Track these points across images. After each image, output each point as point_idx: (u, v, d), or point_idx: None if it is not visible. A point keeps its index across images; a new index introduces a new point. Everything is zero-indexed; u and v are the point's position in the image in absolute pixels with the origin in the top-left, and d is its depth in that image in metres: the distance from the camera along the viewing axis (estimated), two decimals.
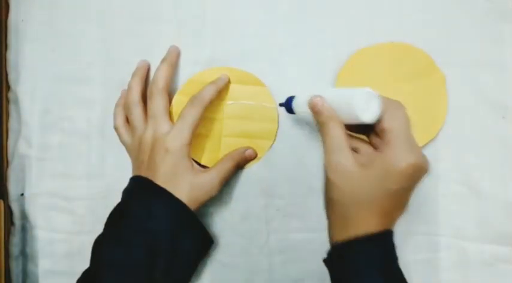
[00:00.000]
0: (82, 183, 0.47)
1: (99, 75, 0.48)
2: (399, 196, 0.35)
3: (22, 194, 0.48)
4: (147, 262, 0.38)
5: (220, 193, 0.46)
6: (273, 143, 0.46)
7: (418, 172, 0.34)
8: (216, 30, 0.47)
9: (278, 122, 0.46)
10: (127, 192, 0.42)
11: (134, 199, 0.41)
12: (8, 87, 0.49)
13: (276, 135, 0.46)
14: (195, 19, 0.47)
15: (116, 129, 0.46)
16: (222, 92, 0.46)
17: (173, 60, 0.46)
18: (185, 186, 0.41)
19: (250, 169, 0.46)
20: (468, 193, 0.46)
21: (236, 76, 0.46)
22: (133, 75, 0.46)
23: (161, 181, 0.40)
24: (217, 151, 0.46)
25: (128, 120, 0.45)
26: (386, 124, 0.35)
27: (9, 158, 0.49)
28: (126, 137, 0.45)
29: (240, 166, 0.46)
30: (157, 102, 0.43)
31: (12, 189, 0.48)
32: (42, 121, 0.48)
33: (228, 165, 0.43)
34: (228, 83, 0.46)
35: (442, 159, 0.46)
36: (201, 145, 0.46)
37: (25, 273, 0.48)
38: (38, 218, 0.47)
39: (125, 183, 0.42)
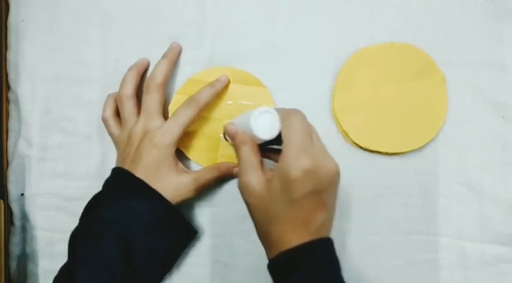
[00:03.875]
0: (82, 183, 0.47)
1: (99, 75, 0.48)
2: (311, 203, 0.34)
3: (22, 194, 0.48)
4: (121, 256, 0.38)
5: (220, 193, 0.47)
6: None
7: (319, 174, 0.33)
8: (216, 30, 0.47)
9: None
10: (106, 184, 0.42)
11: (111, 191, 0.41)
12: (8, 87, 0.49)
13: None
14: (195, 19, 0.47)
15: (104, 120, 0.46)
16: (221, 92, 0.46)
17: (174, 56, 0.46)
18: (163, 183, 0.41)
19: None
20: (468, 193, 0.46)
21: (236, 76, 0.46)
22: (130, 68, 0.46)
23: (142, 173, 0.40)
24: (215, 151, 0.46)
25: (117, 113, 0.46)
26: (282, 135, 0.35)
27: (9, 158, 0.49)
28: (114, 128, 0.45)
29: (223, 179, 0.46)
30: (153, 97, 0.43)
31: (12, 189, 0.48)
32: (42, 121, 0.48)
33: (210, 175, 0.44)
34: (227, 84, 0.46)
35: (442, 159, 0.46)
36: (199, 145, 0.46)
37: (25, 273, 0.48)
38: (38, 218, 0.47)
39: None
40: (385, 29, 0.47)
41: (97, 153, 0.48)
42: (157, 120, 0.42)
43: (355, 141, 0.45)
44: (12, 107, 0.49)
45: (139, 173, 0.41)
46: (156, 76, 0.43)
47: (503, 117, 0.46)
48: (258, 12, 0.47)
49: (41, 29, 0.48)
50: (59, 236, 0.47)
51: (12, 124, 0.49)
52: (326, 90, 0.46)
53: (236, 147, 0.38)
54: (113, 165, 0.44)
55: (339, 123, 0.45)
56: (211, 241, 0.46)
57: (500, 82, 0.46)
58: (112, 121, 0.45)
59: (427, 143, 0.45)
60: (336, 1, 0.47)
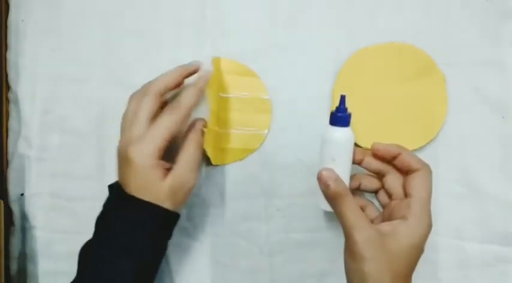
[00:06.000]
0: (82, 183, 0.47)
1: (99, 75, 0.48)
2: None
3: (22, 194, 0.48)
4: (134, 274, 0.37)
5: (220, 193, 0.47)
6: (267, 133, 0.46)
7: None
8: (216, 30, 0.47)
9: (272, 112, 0.46)
10: (108, 203, 0.40)
11: (115, 210, 0.39)
12: (8, 87, 0.49)
13: (270, 125, 0.46)
14: (195, 19, 0.47)
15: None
16: (214, 84, 0.44)
17: (202, 86, 0.42)
18: (163, 192, 0.38)
19: (250, 170, 0.46)
20: (468, 193, 0.46)
21: (227, 67, 0.46)
22: (177, 67, 0.42)
23: (132, 188, 0.38)
24: (212, 146, 0.45)
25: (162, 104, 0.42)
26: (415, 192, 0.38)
27: (9, 158, 0.49)
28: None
29: (201, 145, 0.42)
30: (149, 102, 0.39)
31: (12, 189, 0.48)
32: (42, 121, 0.48)
33: (192, 150, 0.40)
34: (209, 78, 0.43)
35: (442, 159, 0.46)
36: None
37: (25, 273, 0.48)
38: (38, 218, 0.47)
39: None
40: (385, 29, 0.47)
41: (97, 153, 0.48)
42: (140, 129, 0.39)
43: (355, 141, 0.45)
44: (12, 107, 0.49)
45: (130, 188, 0.38)
46: (184, 101, 0.40)
47: (503, 117, 0.46)
48: (258, 12, 0.47)
49: (41, 29, 0.48)
50: (58, 236, 0.47)
51: (12, 124, 0.49)
52: (326, 90, 0.46)
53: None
54: (113, 165, 0.43)
55: None
56: (211, 242, 0.46)
57: (500, 82, 0.46)
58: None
59: (427, 143, 0.45)
60: (336, 1, 0.47)
